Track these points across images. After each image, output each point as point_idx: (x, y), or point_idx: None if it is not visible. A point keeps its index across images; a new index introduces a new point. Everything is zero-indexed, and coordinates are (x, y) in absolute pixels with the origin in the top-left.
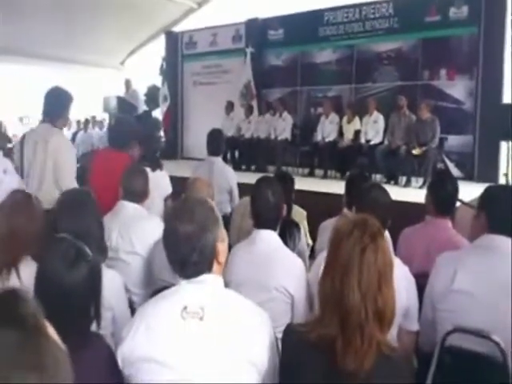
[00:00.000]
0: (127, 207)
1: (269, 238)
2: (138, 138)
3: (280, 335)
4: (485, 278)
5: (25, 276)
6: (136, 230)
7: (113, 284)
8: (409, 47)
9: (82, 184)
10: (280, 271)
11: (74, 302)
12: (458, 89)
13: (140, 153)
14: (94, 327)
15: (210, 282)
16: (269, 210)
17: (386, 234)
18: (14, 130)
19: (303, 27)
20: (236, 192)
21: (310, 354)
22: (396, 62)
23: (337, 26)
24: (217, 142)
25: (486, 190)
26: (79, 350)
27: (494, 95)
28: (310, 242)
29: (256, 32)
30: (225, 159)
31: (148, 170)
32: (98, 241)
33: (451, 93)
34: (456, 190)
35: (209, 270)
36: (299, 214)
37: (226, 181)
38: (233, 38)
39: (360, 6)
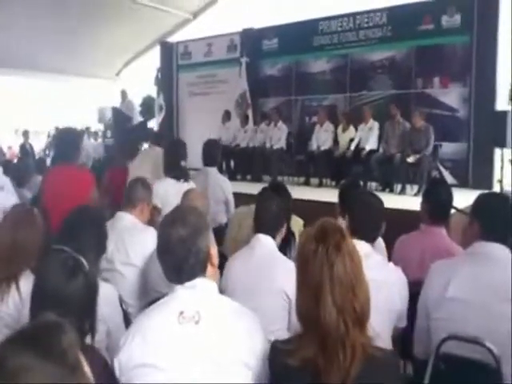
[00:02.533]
0: (124, 218)
1: (267, 242)
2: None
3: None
4: (478, 285)
5: (24, 289)
6: (131, 241)
7: (107, 297)
8: (402, 55)
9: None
10: (279, 275)
11: (69, 312)
12: (452, 96)
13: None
14: (88, 340)
15: (204, 286)
16: (271, 217)
17: (380, 240)
18: (9, 143)
19: (298, 37)
20: (232, 202)
21: (295, 375)
22: (390, 70)
23: (331, 35)
24: (212, 153)
25: (478, 198)
26: None
27: (488, 102)
28: None
29: (251, 42)
30: (220, 169)
31: (174, 181)
32: (94, 257)
33: (445, 100)
34: (450, 198)
35: (203, 272)
36: (296, 224)
37: (221, 191)
38: (228, 47)
39: (354, 15)
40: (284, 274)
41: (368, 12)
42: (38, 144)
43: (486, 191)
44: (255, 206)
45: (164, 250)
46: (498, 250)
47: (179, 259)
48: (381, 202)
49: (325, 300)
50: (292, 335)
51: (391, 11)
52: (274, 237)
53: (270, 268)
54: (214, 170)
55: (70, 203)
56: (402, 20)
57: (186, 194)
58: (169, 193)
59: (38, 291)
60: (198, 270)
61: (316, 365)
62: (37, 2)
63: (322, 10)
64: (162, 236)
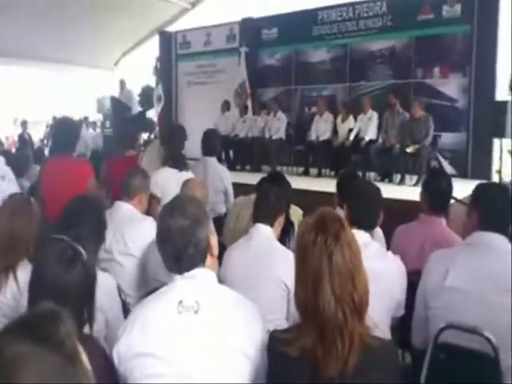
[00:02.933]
0: (122, 208)
1: (265, 232)
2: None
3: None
4: (476, 275)
5: (22, 279)
6: (130, 231)
7: (106, 287)
8: (402, 45)
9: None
10: (277, 264)
11: (67, 302)
12: (452, 86)
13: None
14: (86, 330)
15: (203, 276)
16: (270, 207)
17: (379, 230)
18: (8, 133)
19: (297, 26)
20: (231, 192)
21: (294, 365)
22: (390, 60)
23: (330, 24)
24: (212, 142)
25: (477, 188)
26: None
27: (487, 92)
28: None
29: (250, 31)
30: (219, 159)
31: (174, 170)
32: (93, 247)
33: (444, 90)
34: (450, 188)
35: (203, 262)
36: (296, 213)
37: (220, 181)
38: (227, 37)
39: (353, 4)
40: (282, 263)
41: (368, 1)
42: (37, 134)
43: (485, 181)
44: (255, 196)
45: (164, 239)
46: (496, 240)
47: (179, 249)
48: (378, 191)
49: (324, 289)
50: (291, 325)
51: (391, 1)
52: (272, 225)
53: (269, 257)
54: (213, 160)
55: (68, 193)
56: (402, 10)
57: (186, 183)
58: (169, 183)
59: (35, 280)
60: (197, 260)
61: (314, 354)
62: None
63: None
64: (161, 225)
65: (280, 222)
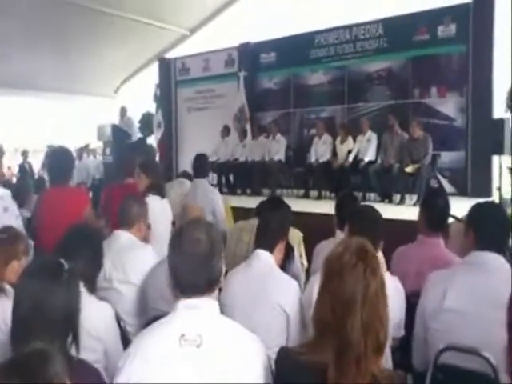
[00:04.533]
0: (121, 237)
1: (265, 258)
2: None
3: (274, 356)
4: (474, 295)
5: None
6: (129, 259)
7: (104, 316)
8: (399, 66)
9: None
10: (277, 290)
11: (49, 323)
12: (449, 106)
13: (148, 181)
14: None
15: (206, 307)
16: (270, 232)
17: (379, 254)
18: (9, 162)
19: (295, 50)
20: (220, 213)
21: (302, 379)
22: (387, 81)
23: (328, 47)
24: (201, 165)
25: (473, 208)
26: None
27: (485, 110)
28: (306, 263)
29: (248, 56)
30: (220, 184)
31: (158, 198)
32: (90, 274)
33: (442, 110)
34: (447, 207)
35: (213, 291)
36: (296, 236)
37: (208, 202)
38: (225, 62)
39: (350, 27)
40: (282, 289)
41: (364, 24)
42: (38, 162)
43: (482, 200)
44: (255, 221)
45: (177, 267)
46: (492, 259)
47: (192, 278)
48: (379, 215)
49: (355, 315)
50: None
51: (387, 22)
52: (272, 251)
53: (268, 284)
54: (203, 182)
55: (64, 223)
56: (398, 31)
57: (185, 209)
58: (154, 210)
59: (18, 296)
60: (207, 289)
61: (326, 373)
62: (34, 23)
63: (319, 23)
64: (175, 253)
65: (281, 248)
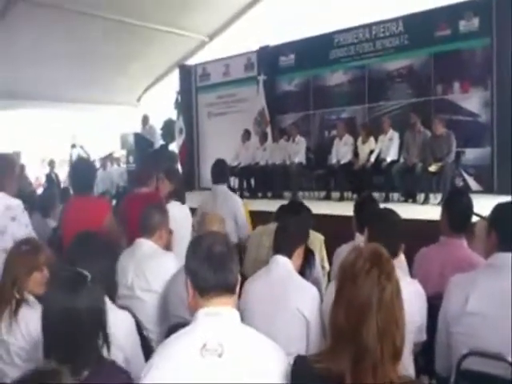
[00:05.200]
0: (143, 245)
1: (284, 264)
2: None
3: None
4: (497, 298)
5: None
6: (151, 267)
7: (124, 325)
8: (420, 63)
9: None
10: (296, 295)
11: (79, 327)
12: (473, 101)
13: (171, 187)
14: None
15: (227, 315)
16: (289, 238)
17: (402, 257)
18: (36, 173)
19: (314, 51)
20: (242, 219)
21: (319, 381)
22: (408, 78)
23: (347, 47)
24: (220, 171)
25: (496, 208)
26: (94, 377)
27: (510, 105)
28: (328, 266)
29: (267, 59)
30: (241, 188)
31: (179, 203)
32: (107, 281)
33: (466, 106)
34: (470, 207)
35: (233, 294)
36: (317, 240)
37: (228, 208)
38: (245, 66)
39: (370, 25)
40: (301, 295)
41: (384, 22)
42: (64, 172)
43: (504, 200)
44: (276, 228)
45: (199, 263)
46: None
47: (215, 274)
48: (399, 218)
49: (370, 321)
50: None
51: (407, 19)
52: (290, 257)
53: (287, 290)
54: (223, 188)
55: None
56: (419, 27)
57: (204, 218)
58: (176, 216)
59: (46, 310)
60: (227, 291)
61: (341, 379)
62: (59, 35)
63: (338, 23)
64: (197, 250)
65: (300, 253)
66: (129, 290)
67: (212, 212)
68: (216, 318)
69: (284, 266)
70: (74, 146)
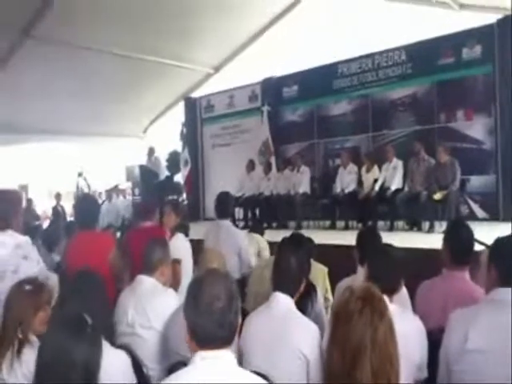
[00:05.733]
0: (144, 282)
1: (285, 301)
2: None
3: None
4: (498, 334)
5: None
6: (152, 304)
7: (120, 364)
8: (424, 91)
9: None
10: (296, 334)
11: (70, 370)
12: (477, 128)
13: (177, 220)
14: None
15: (224, 358)
16: (290, 275)
17: (403, 291)
18: (43, 205)
19: (317, 81)
20: (245, 255)
21: None
22: (412, 107)
23: (351, 77)
24: (224, 205)
25: (495, 242)
26: None
27: None
28: (331, 298)
29: (271, 90)
30: (246, 218)
31: (183, 236)
32: (103, 321)
33: (470, 133)
34: (471, 239)
35: (230, 344)
36: (320, 272)
37: (232, 243)
38: (249, 98)
39: (373, 55)
40: (301, 333)
41: (387, 51)
42: (70, 204)
43: (504, 235)
44: (274, 263)
45: (198, 317)
46: None
47: (213, 330)
48: (401, 254)
49: (364, 363)
50: None
51: (410, 48)
52: (292, 295)
53: (287, 328)
54: (226, 223)
55: (90, 266)
56: (422, 56)
57: (203, 254)
58: (181, 248)
59: (43, 350)
60: (227, 342)
61: None
62: (63, 70)
63: (341, 53)
64: (195, 303)
65: (300, 289)
66: (129, 327)
67: (212, 248)
68: (213, 361)
69: (285, 304)
70: (80, 174)
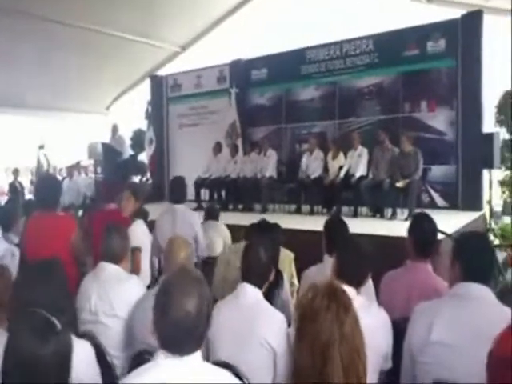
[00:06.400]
0: (107, 269)
1: (253, 293)
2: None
3: None
4: (461, 328)
5: None
6: (116, 292)
7: (83, 355)
8: (390, 81)
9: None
10: (263, 325)
11: (41, 376)
12: (439, 120)
13: (136, 205)
14: None
15: (188, 355)
16: (259, 267)
17: (369, 282)
18: (0, 181)
19: (286, 66)
20: (201, 239)
21: None
22: (378, 96)
23: (319, 63)
24: (179, 190)
25: (459, 239)
26: None
27: (474, 124)
28: (297, 283)
29: (240, 72)
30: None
31: (143, 222)
32: (66, 313)
33: (433, 124)
34: (434, 232)
35: (200, 347)
36: (286, 258)
37: (190, 227)
38: (217, 79)
39: (341, 43)
40: (268, 324)
41: (355, 39)
42: (29, 180)
43: (467, 231)
44: (243, 253)
45: (164, 322)
46: (477, 290)
47: (181, 340)
48: (369, 249)
49: (333, 359)
50: None
51: (377, 38)
52: (261, 286)
53: (255, 318)
54: (181, 207)
55: (50, 250)
56: (388, 46)
57: (170, 243)
58: (141, 235)
59: (10, 354)
60: (195, 347)
61: None
62: (25, 42)
63: (310, 39)
64: (164, 306)
65: (269, 279)
66: (92, 315)
67: (177, 237)
68: (177, 359)
69: (253, 294)
70: (41, 147)
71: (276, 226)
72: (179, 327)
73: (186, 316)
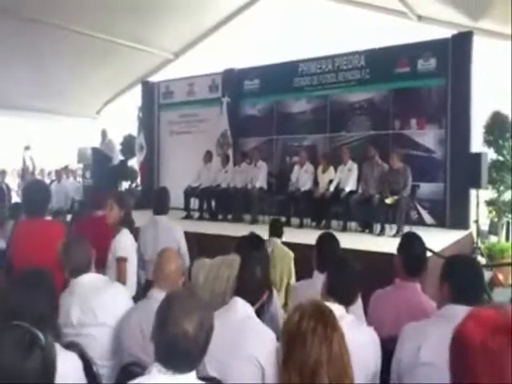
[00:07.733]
0: (80, 281)
1: (244, 308)
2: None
3: None
4: (447, 350)
5: None
6: (98, 300)
7: (71, 367)
8: (380, 97)
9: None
10: (252, 342)
11: None
12: (429, 138)
13: (120, 214)
14: None
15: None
16: (254, 287)
17: (359, 301)
18: None
19: (278, 78)
20: (184, 249)
21: None
22: (368, 111)
23: (311, 76)
24: (162, 201)
25: (447, 262)
26: None
27: (463, 144)
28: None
29: (232, 82)
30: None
31: (128, 232)
32: (51, 325)
33: (422, 142)
34: (424, 252)
35: (198, 364)
36: (287, 256)
37: (173, 239)
38: (209, 87)
39: (333, 57)
40: (258, 342)
41: (347, 54)
42: (16, 182)
43: (455, 254)
44: (239, 270)
45: (165, 345)
46: (465, 312)
47: (178, 359)
48: (358, 267)
49: (322, 378)
50: None
51: (369, 54)
52: (253, 304)
53: (245, 335)
54: (163, 218)
55: (37, 257)
56: (380, 63)
57: (161, 255)
58: (127, 244)
59: None
60: (190, 367)
61: None
62: (11, 41)
63: (303, 52)
64: (165, 327)
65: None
66: (74, 329)
67: (167, 249)
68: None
69: (243, 309)
70: (27, 148)
71: (264, 240)
72: (175, 344)
73: (183, 335)
